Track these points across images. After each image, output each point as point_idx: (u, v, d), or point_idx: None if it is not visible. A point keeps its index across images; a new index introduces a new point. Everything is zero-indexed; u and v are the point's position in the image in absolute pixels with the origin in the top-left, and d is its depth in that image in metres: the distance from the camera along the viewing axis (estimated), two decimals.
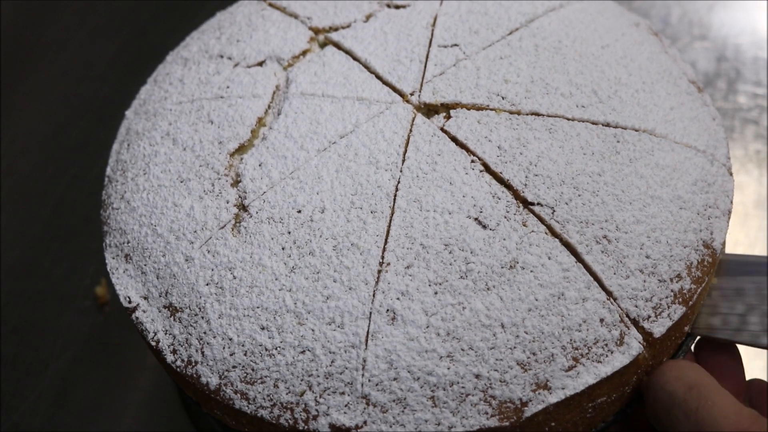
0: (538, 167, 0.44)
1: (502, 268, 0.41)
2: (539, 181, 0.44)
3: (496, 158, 0.45)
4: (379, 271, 0.41)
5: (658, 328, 0.41)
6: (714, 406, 0.37)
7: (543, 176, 0.44)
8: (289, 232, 0.43)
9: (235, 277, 0.43)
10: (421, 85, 0.50)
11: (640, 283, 0.42)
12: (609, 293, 0.41)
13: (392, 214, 0.43)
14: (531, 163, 0.44)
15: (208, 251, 0.44)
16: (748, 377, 0.46)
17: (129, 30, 0.93)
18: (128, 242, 0.47)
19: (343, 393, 0.39)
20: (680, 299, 0.42)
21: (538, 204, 0.43)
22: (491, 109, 0.48)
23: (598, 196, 0.43)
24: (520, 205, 0.44)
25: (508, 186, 0.44)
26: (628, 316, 0.41)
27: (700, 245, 0.44)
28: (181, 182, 0.47)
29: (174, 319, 0.43)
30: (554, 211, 0.43)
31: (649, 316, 0.41)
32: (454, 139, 0.47)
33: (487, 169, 0.45)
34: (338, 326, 0.40)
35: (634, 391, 0.43)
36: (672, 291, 0.42)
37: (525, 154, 0.45)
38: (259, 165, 0.46)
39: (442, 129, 0.47)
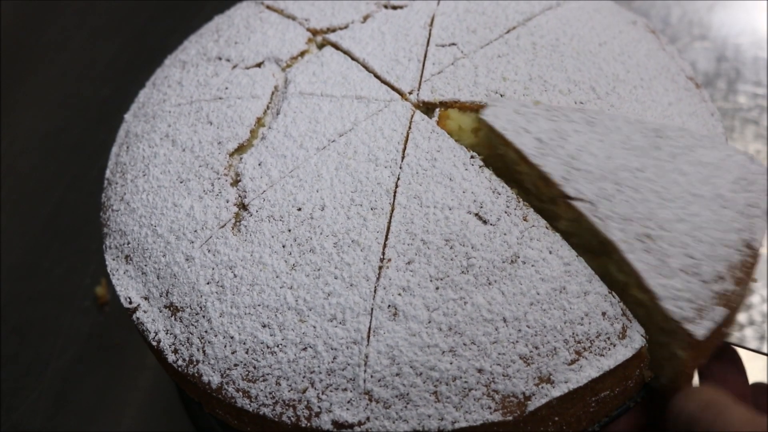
0: (578, 161, 0.43)
1: (504, 262, 0.41)
2: (579, 175, 0.43)
3: (534, 150, 0.44)
4: (380, 267, 0.41)
5: (701, 331, 0.40)
6: (731, 415, 0.38)
7: (583, 170, 0.43)
8: (290, 230, 0.43)
9: (235, 276, 0.43)
10: (420, 84, 0.50)
11: (682, 284, 0.40)
12: (651, 293, 0.40)
13: (392, 210, 0.43)
14: (571, 156, 0.43)
15: (209, 250, 0.44)
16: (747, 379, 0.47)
17: (129, 30, 0.94)
18: (128, 243, 0.47)
19: (345, 389, 0.39)
20: (722, 301, 0.41)
21: (579, 199, 0.42)
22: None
23: (639, 192, 0.42)
24: (521, 200, 0.44)
25: (545, 179, 0.43)
26: (670, 317, 0.40)
27: (741, 245, 0.43)
28: (181, 182, 0.47)
29: (175, 319, 0.43)
30: (595, 206, 0.42)
31: (692, 318, 0.40)
32: (491, 130, 0.46)
33: (526, 161, 0.44)
34: (340, 323, 0.40)
35: (636, 386, 0.43)
36: (714, 292, 0.41)
37: (565, 146, 0.44)
38: (259, 164, 0.46)
39: (438, 122, 0.47)
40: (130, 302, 0.45)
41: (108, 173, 0.53)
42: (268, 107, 0.50)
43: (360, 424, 0.39)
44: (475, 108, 0.48)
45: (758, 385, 0.46)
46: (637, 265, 0.40)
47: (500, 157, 0.46)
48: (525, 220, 0.43)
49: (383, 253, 0.42)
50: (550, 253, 0.41)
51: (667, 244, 0.41)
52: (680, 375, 0.42)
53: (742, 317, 0.46)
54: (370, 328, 0.40)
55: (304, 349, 0.40)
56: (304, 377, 0.40)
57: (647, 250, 0.41)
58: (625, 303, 0.42)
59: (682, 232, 0.41)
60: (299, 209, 0.44)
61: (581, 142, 0.44)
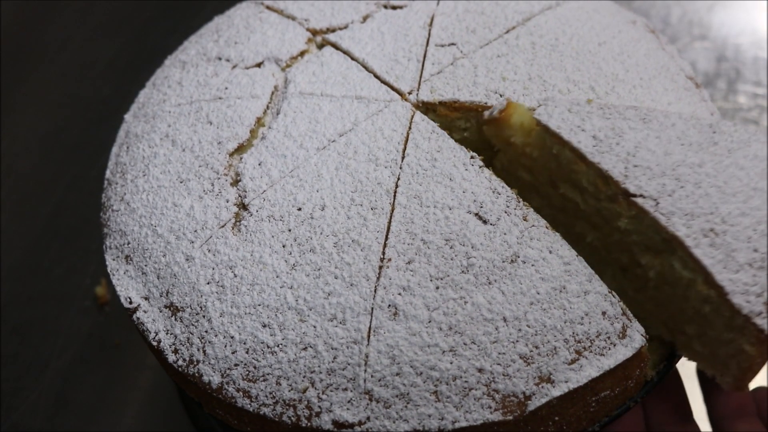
0: (636, 158, 0.43)
1: (504, 262, 0.41)
2: (639, 172, 0.42)
3: (592, 148, 0.43)
4: (380, 267, 0.41)
5: None
6: None
7: (643, 167, 0.42)
8: (290, 230, 0.43)
9: (236, 276, 0.43)
10: (419, 84, 0.50)
11: (750, 278, 0.40)
12: (719, 288, 0.40)
13: (392, 210, 0.43)
14: (629, 153, 0.43)
15: (209, 250, 0.44)
16: None
17: (129, 30, 0.94)
18: (128, 243, 0.47)
19: (345, 389, 0.39)
20: None
21: (641, 196, 0.42)
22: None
23: (701, 188, 0.42)
24: (520, 199, 0.44)
25: (606, 177, 0.43)
26: (739, 312, 0.39)
27: None
28: (181, 182, 0.47)
29: (175, 319, 0.43)
30: (658, 203, 0.41)
31: (761, 312, 0.39)
32: (545, 129, 0.45)
33: (584, 160, 0.43)
34: (340, 322, 0.40)
35: (637, 385, 0.43)
36: None
37: (622, 144, 0.43)
38: (259, 164, 0.46)
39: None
40: (130, 302, 0.45)
41: (108, 173, 0.53)
42: (267, 107, 0.50)
43: (360, 423, 0.39)
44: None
45: (759, 392, 0.46)
46: (704, 261, 0.40)
47: (554, 158, 0.46)
48: (525, 219, 0.43)
49: (383, 253, 0.42)
50: (550, 252, 0.41)
51: (732, 239, 0.40)
52: (747, 371, 0.42)
53: None
54: (370, 328, 0.40)
55: (305, 348, 0.40)
56: (304, 377, 0.40)
57: (713, 245, 0.40)
58: (690, 300, 0.42)
59: (746, 226, 0.41)
60: (299, 209, 0.44)
61: (638, 139, 0.43)
